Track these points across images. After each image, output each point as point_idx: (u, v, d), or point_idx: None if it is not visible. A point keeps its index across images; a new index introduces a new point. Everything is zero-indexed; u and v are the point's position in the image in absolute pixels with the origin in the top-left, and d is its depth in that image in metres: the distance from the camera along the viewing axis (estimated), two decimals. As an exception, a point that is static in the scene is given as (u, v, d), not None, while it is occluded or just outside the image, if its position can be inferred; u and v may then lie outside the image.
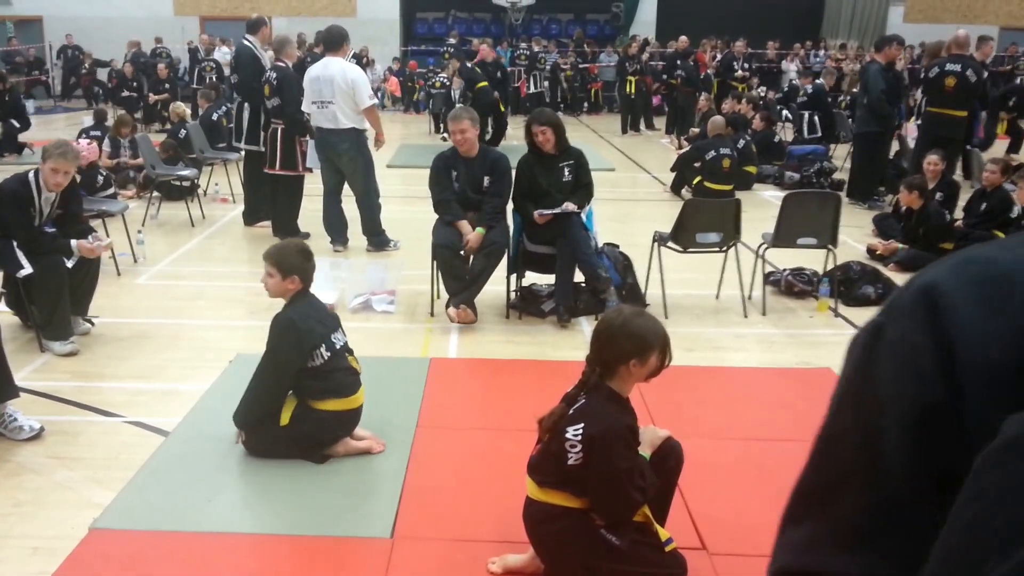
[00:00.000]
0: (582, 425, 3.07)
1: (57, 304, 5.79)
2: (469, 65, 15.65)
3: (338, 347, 4.33)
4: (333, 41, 8.40)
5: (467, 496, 4.04)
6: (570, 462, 3.09)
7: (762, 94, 18.44)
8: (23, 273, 5.67)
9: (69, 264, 5.85)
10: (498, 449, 4.45)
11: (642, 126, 19.18)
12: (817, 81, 16.09)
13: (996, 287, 0.71)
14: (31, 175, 5.81)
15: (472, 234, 6.40)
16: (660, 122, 19.34)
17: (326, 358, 4.24)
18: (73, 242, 5.92)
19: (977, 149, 11.71)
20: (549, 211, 6.39)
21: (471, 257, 6.49)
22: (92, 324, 6.22)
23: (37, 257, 5.73)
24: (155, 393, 5.22)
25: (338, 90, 8.13)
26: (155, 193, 10.08)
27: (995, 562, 0.55)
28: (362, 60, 20.39)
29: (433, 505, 3.96)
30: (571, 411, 3.13)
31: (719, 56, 19.32)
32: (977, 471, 0.61)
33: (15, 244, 5.69)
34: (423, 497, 4.02)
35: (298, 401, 4.30)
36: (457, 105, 17.50)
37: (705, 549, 3.62)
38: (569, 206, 6.41)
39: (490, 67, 16.08)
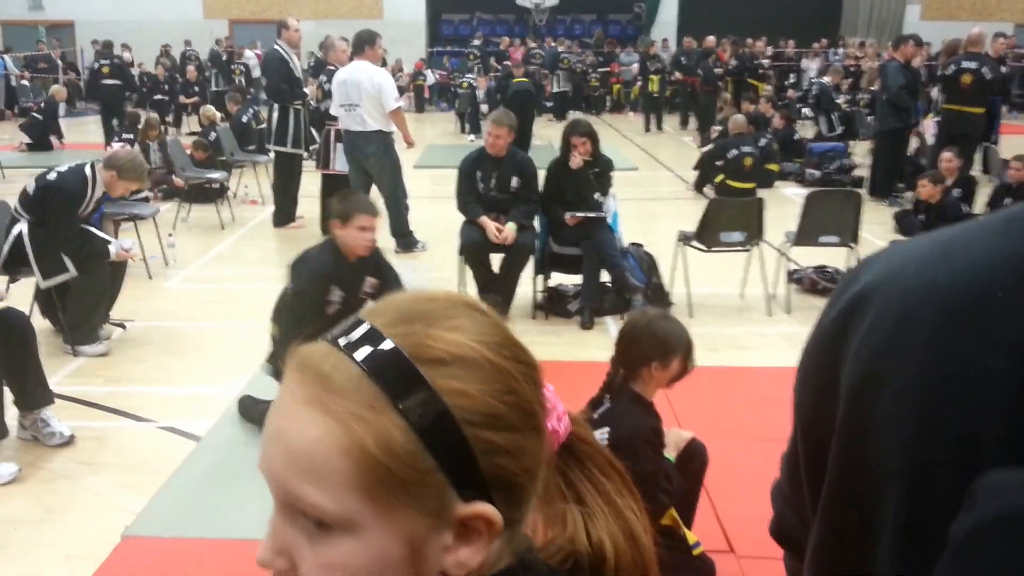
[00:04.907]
0: (607, 429, 3.09)
1: (93, 311, 5.87)
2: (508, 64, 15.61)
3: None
4: (358, 45, 8.49)
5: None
6: (596, 466, 3.11)
7: (775, 84, 18.48)
8: (68, 276, 5.69)
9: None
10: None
11: (664, 125, 19.21)
12: (822, 79, 16.06)
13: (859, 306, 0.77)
14: (88, 171, 5.77)
15: (505, 228, 6.46)
16: (673, 123, 19.45)
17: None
18: (111, 247, 5.98)
19: (995, 145, 11.70)
20: (582, 214, 6.48)
21: (498, 252, 6.59)
22: (124, 328, 6.30)
23: (78, 258, 5.74)
24: (186, 397, 5.27)
25: (364, 93, 8.20)
26: (178, 198, 10.20)
27: None
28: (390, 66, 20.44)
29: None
30: (596, 415, 3.16)
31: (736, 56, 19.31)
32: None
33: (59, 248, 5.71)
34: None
35: None
36: (482, 106, 17.71)
37: (733, 552, 3.63)
38: (607, 203, 6.56)
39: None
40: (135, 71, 19.87)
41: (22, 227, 5.72)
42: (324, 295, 4.40)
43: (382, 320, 0.77)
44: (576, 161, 6.54)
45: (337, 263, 4.53)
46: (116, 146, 10.20)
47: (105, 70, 16.53)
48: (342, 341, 0.75)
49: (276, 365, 4.56)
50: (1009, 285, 0.66)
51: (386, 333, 0.75)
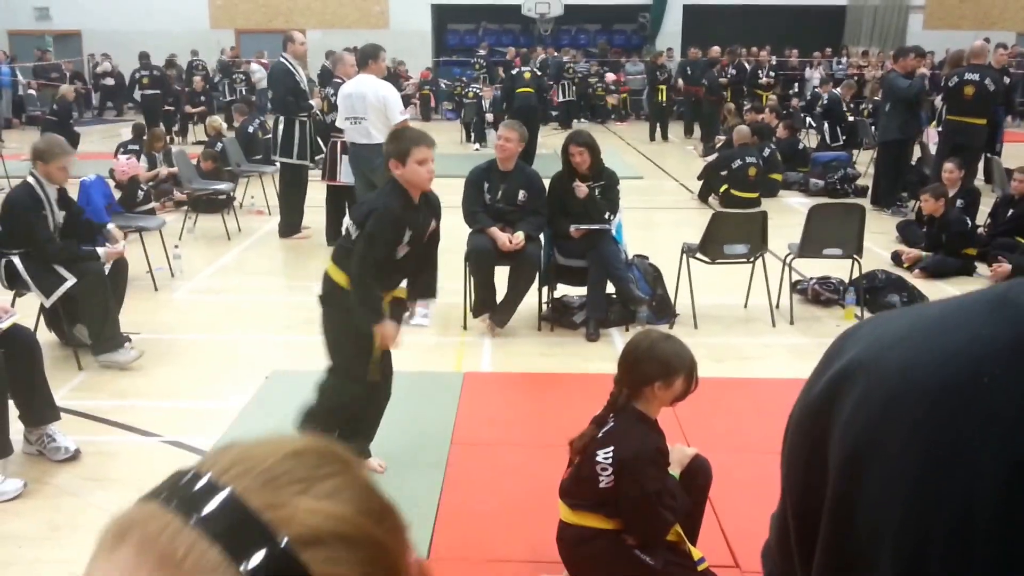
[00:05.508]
0: (612, 448, 3.10)
1: (106, 315, 5.82)
2: (513, 72, 15.70)
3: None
4: (362, 59, 8.57)
5: (502, 515, 4.06)
6: (602, 485, 3.12)
7: (778, 94, 18.56)
8: (69, 284, 5.67)
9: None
10: (533, 465, 4.47)
11: (670, 134, 19.25)
12: (833, 91, 16.15)
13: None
14: (32, 180, 5.68)
15: (514, 236, 6.43)
16: (677, 131, 19.45)
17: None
18: (100, 250, 5.96)
19: (997, 157, 11.75)
20: (586, 226, 6.49)
21: (504, 264, 6.59)
22: (130, 340, 6.28)
23: (70, 264, 5.71)
24: (192, 411, 5.26)
25: (370, 106, 8.24)
26: (186, 207, 10.23)
27: None
28: (396, 76, 20.41)
29: (468, 525, 3.99)
30: (601, 434, 3.16)
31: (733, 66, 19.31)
32: None
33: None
34: (458, 516, 4.05)
35: None
36: (487, 115, 17.77)
37: (738, 567, 3.62)
38: (614, 220, 6.59)
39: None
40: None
41: (13, 259, 5.67)
42: (399, 238, 4.29)
43: (243, 484, 0.61)
44: (582, 191, 6.55)
45: (406, 204, 4.39)
46: (122, 158, 10.27)
47: (145, 80, 17.54)
48: (191, 510, 0.59)
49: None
50: (995, 372, 0.68)
51: (250, 502, 0.60)
